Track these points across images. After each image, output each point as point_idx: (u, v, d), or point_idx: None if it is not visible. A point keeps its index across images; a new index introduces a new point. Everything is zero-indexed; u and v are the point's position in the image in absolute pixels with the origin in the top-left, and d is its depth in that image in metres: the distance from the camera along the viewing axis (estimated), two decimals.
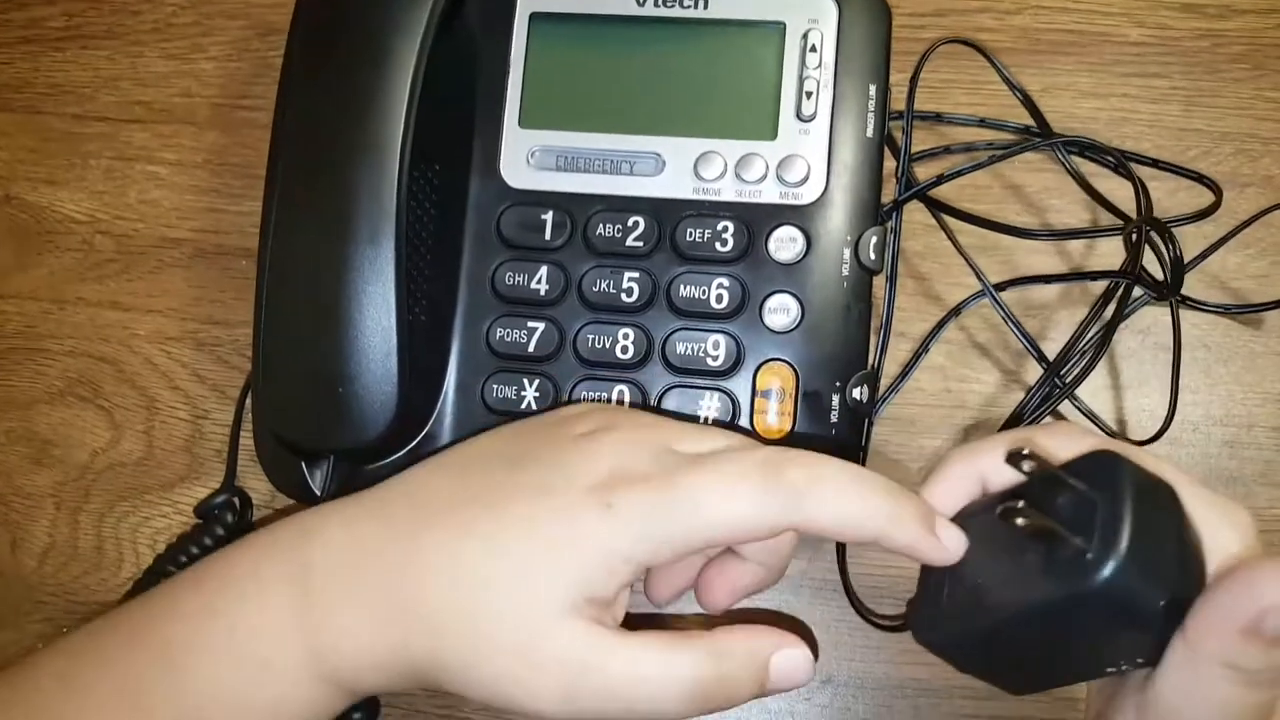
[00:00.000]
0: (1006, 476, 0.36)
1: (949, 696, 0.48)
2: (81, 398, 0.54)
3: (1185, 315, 0.49)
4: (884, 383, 0.50)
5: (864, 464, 0.48)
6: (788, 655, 0.37)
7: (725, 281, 0.46)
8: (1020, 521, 0.31)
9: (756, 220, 0.46)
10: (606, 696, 0.35)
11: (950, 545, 0.35)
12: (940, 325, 0.51)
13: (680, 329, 0.46)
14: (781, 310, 0.46)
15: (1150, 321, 0.50)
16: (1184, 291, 0.48)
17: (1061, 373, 0.48)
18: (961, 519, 0.36)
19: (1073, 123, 0.52)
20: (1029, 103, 0.51)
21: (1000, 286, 0.50)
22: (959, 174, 0.49)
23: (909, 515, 0.35)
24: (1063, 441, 0.35)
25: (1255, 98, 0.52)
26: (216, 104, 0.57)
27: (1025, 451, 0.33)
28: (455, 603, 0.36)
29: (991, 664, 0.37)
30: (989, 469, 0.36)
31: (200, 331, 0.54)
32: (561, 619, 0.35)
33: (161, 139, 0.56)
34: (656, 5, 0.48)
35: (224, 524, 0.49)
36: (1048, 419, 0.48)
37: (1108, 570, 0.30)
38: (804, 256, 0.46)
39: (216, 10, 0.58)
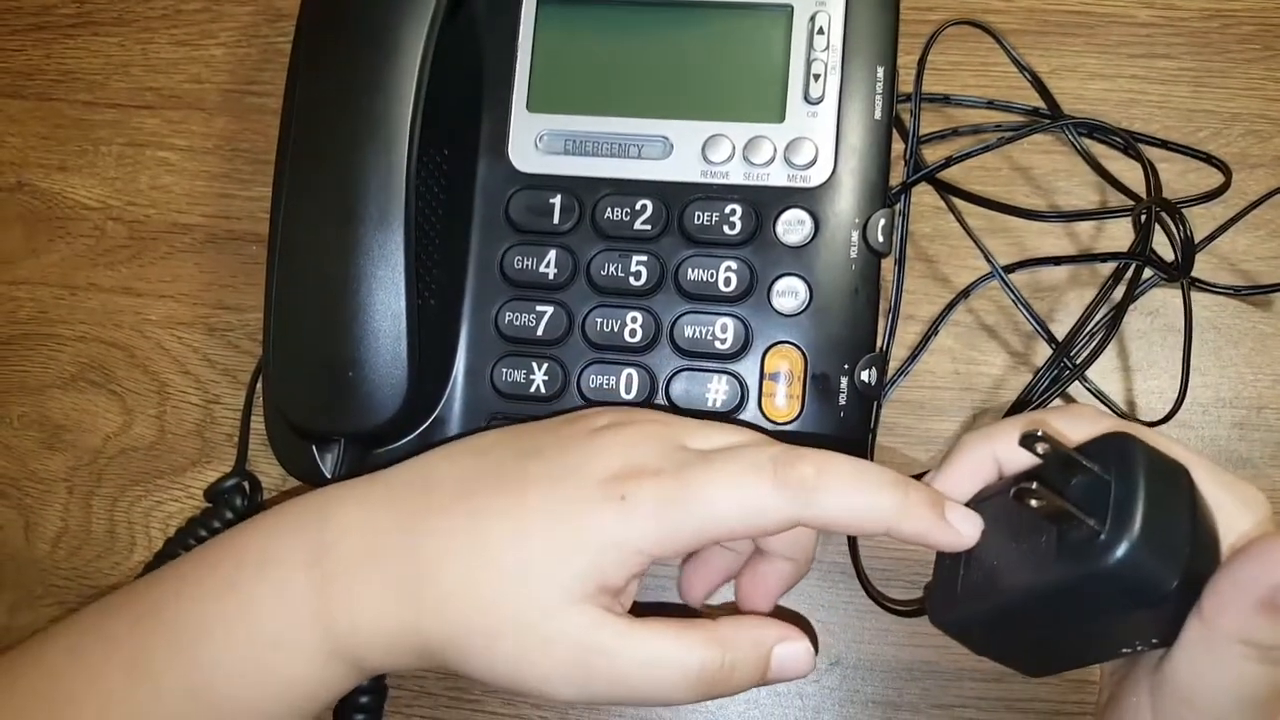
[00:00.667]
0: (1022, 459, 0.35)
1: (957, 679, 0.48)
2: (93, 383, 0.54)
3: (1195, 297, 0.49)
4: (892, 365, 0.50)
5: (873, 446, 0.48)
6: (790, 648, 0.38)
7: (733, 264, 0.46)
8: (1034, 503, 0.31)
9: (765, 203, 0.46)
10: (615, 680, 0.36)
11: (963, 530, 0.35)
12: (949, 307, 0.51)
13: (688, 312, 0.46)
14: (790, 293, 0.46)
15: (1159, 304, 0.50)
16: (1193, 273, 0.48)
17: (1071, 354, 0.47)
18: (977, 502, 0.37)
19: (1081, 104, 0.52)
20: (1038, 83, 0.51)
21: (1009, 268, 0.50)
22: (968, 156, 0.49)
23: (917, 505, 0.35)
24: (1077, 424, 0.35)
25: (1265, 78, 0.52)
26: (226, 90, 0.57)
27: (1039, 433, 0.33)
28: (468, 587, 0.36)
29: (1007, 646, 0.37)
30: (1004, 452, 0.37)
31: (211, 317, 0.54)
32: (573, 604, 0.35)
33: (172, 125, 0.57)
34: None
35: (234, 507, 0.50)
36: (1057, 401, 0.48)
37: (1120, 551, 0.30)
38: (812, 239, 0.46)
39: None
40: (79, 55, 0.58)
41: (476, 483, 0.38)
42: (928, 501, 0.35)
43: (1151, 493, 0.31)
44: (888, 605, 0.47)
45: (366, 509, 0.39)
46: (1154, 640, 0.33)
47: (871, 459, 0.48)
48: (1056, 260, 0.51)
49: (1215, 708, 0.33)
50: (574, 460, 0.37)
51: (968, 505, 0.36)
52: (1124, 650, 0.35)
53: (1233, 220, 0.50)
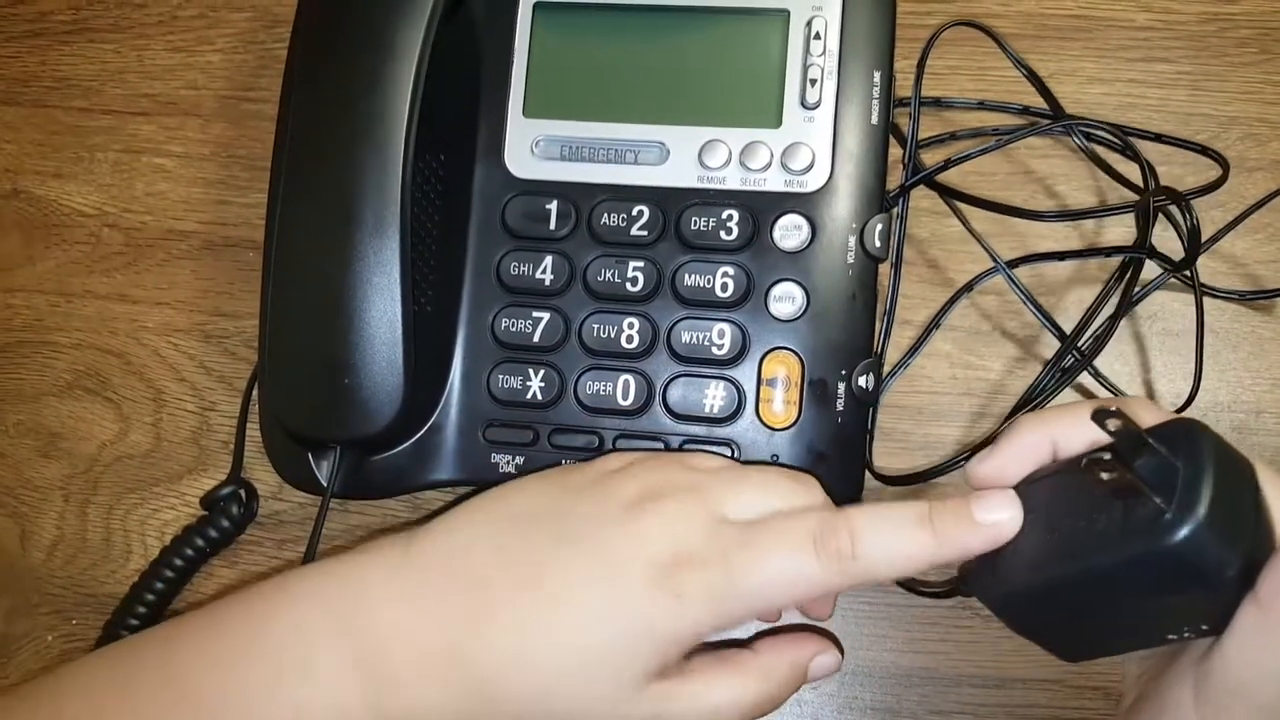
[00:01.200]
0: (1077, 443, 0.36)
1: (956, 685, 0.48)
2: (89, 390, 0.54)
3: (1192, 300, 0.49)
4: (890, 367, 0.50)
5: (870, 451, 0.47)
6: (823, 659, 0.42)
7: (730, 270, 0.46)
8: (1105, 475, 0.32)
9: (761, 208, 0.46)
10: None
11: (1001, 519, 0.36)
12: (951, 301, 0.50)
13: (685, 318, 0.46)
14: (787, 299, 0.46)
15: (1157, 307, 0.50)
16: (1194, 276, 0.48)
17: (1078, 345, 0.47)
18: (1029, 481, 0.37)
19: (1080, 108, 0.52)
20: (1036, 81, 0.51)
21: (1012, 264, 0.50)
22: (966, 158, 0.49)
23: (947, 528, 0.36)
24: (1141, 413, 0.35)
25: (1263, 82, 0.51)
26: (223, 96, 0.57)
27: (1114, 409, 0.33)
28: (533, 692, 0.37)
29: (1049, 625, 0.37)
30: (1062, 434, 0.37)
31: (207, 324, 0.54)
32: (639, 692, 0.37)
33: (168, 131, 0.56)
34: None
35: (230, 515, 0.49)
36: (1067, 392, 0.48)
37: (1186, 529, 0.30)
38: (809, 244, 0.46)
39: (222, 3, 0.58)
40: (75, 62, 0.58)
41: (518, 575, 0.39)
42: (956, 518, 0.36)
43: (1219, 478, 0.31)
44: (918, 589, 0.47)
45: (406, 605, 0.39)
46: (1204, 627, 0.33)
47: (871, 462, 0.47)
48: (1060, 255, 0.50)
49: (1267, 697, 0.32)
50: (617, 549, 0.38)
51: (1022, 484, 0.37)
52: (1170, 636, 0.34)
53: (1231, 224, 0.49)
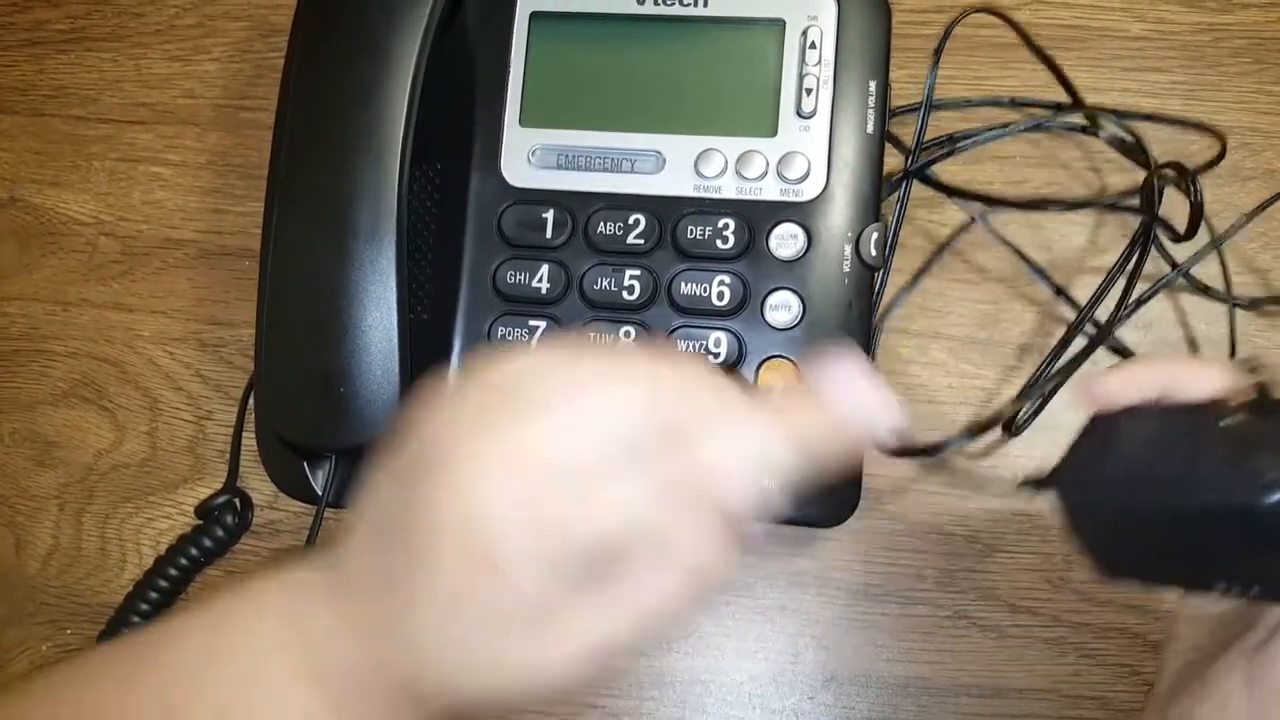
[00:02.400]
0: (1188, 393, 0.35)
1: (953, 695, 0.48)
2: (85, 399, 0.54)
3: (1188, 308, 0.49)
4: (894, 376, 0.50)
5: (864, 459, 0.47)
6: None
7: (726, 279, 0.46)
8: (1224, 421, 0.32)
9: (757, 217, 0.46)
10: None
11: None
12: (939, 250, 0.51)
13: (681, 326, 0.46)
14: (783, 307, 0.46)
15: (1154, 316, 0.50)
16: (1200, 280, 0.48)
17: (1093, 318, 0.47)
18: (1133, 409, 0.36)
19: (1075, 118, 0.52)
20: (1052, 66, 0.50)
21: (1018, 204, 0.50)
22: (968, 144, 0.49)
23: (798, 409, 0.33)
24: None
25: (1257, 92, 0.52)
26: (219, 105, 0.57)
27: (1261, 363, 0.33)
28: (469, 685, 0.35)
29: (1111, 539, 0.36)
30: (1177, 380, 0.35)
31: (204, 332, 0.54)
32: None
33: (165, 140, 0.56)
34: (656, 4, 0.48)
35: (225, 525, 0.49)
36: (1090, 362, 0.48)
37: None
38: (805, 253, 0.46)
39: (219, 12, 0.58)
40: (72, 70, 0.58)
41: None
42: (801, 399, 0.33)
43: None
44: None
45: (336, 609, 0.36)
46: (1256, 588, 0.33)
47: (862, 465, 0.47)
48: (1066, 205, 0.50)
49: None
50: None
51: (1120, 412, 0.36)
52: (1219, 585, 0.34)
53: (1226, 232, 0.50)
